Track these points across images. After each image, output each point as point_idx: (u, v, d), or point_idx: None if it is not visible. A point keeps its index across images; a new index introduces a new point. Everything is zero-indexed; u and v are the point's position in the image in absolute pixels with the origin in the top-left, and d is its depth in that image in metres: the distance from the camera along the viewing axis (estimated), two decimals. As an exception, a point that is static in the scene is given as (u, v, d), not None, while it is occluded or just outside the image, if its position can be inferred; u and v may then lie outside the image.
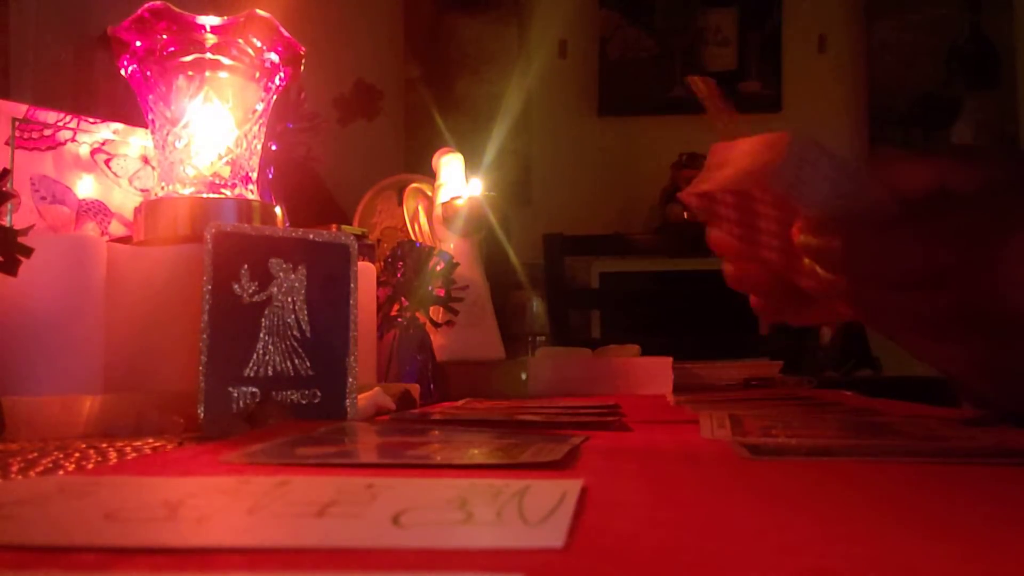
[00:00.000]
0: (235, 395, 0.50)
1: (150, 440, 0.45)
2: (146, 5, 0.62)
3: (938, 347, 0.42)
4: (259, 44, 0.66)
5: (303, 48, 0.69)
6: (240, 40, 0.65)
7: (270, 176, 0.95)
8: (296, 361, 0.53)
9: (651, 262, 2.47)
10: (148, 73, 0.65)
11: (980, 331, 0.39)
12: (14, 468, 0.34)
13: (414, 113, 2.80)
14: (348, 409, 0.54)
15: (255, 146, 0.69)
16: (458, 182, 1.01)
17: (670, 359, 1.00)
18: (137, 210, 0.65)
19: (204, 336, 0.49)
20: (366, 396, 0.59)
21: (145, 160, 0.79)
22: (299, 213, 0.95)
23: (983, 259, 0.37)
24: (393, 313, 0.80)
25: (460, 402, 0.76)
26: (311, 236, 0.55)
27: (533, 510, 0.22)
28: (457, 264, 0.85)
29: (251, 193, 0.68)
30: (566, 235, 1.99)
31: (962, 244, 0.37)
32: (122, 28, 0.63)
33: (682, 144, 2.68)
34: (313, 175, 1.63)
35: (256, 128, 0.69)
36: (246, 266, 0.52)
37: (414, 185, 1.05)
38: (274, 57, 0.68)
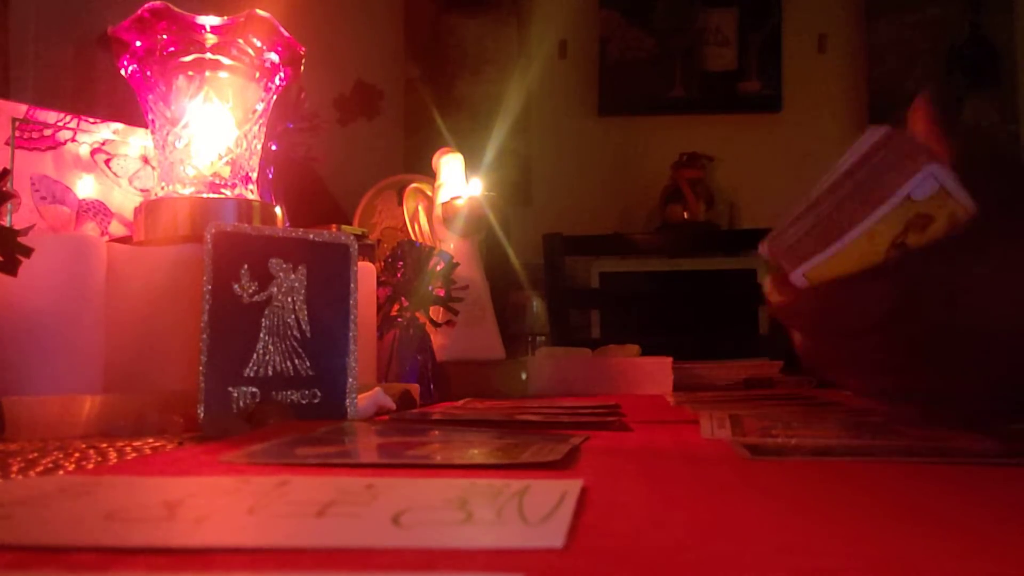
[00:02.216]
0: (235, 395, 0.50)
1: (150, 440, 0.45)
2: (146, 5, 0.62)
3: (880, 382, 0.45)
4: (259, 44, 0.66)
5: (303, 48, 0.69)
6: (240, 40, 0.65)
7: (270, 176, 0.95)
8: (296, 361, 0.53)
9: (651, 262, 2.47)
10: (148, 73, 0.65)
11: (937, 360, 0.42)
12: (14, 468, 0.34)
13: (414, 113, 2.80)
14: (348, 409, 0.54)
15: (255, 146, 0.69)
16: (458, 182, 1.01)
17: (670, 359, 1.00)
18: (137, 210, 0.65)
19: (204, 336, 0.49)
20: (366, 396, 0.59)
21: (145, 160, 0.79)
22: (299, 213, 0.95)
23: (941, 295, 0.40)
24: (393, 313, 0.80)
25: (460, 402, 0.76)
26: (311, 236, 0.55)
27: (533, 510, 0.22)
28: (457, 264, 0.85)
29: (251, 193, 0.68)
30: (566, 235, 1.99)
31: (907, 287, 0.40)
32: (122, 28, 0.63)
33: (682, 144, 2.69)
34: (313, 175, 1.63)
35: (256, 128, 0.69)
36: (246, 266, 0.52)
37: (414, 185, 1.05)
38: (274, 57, 0.68)
